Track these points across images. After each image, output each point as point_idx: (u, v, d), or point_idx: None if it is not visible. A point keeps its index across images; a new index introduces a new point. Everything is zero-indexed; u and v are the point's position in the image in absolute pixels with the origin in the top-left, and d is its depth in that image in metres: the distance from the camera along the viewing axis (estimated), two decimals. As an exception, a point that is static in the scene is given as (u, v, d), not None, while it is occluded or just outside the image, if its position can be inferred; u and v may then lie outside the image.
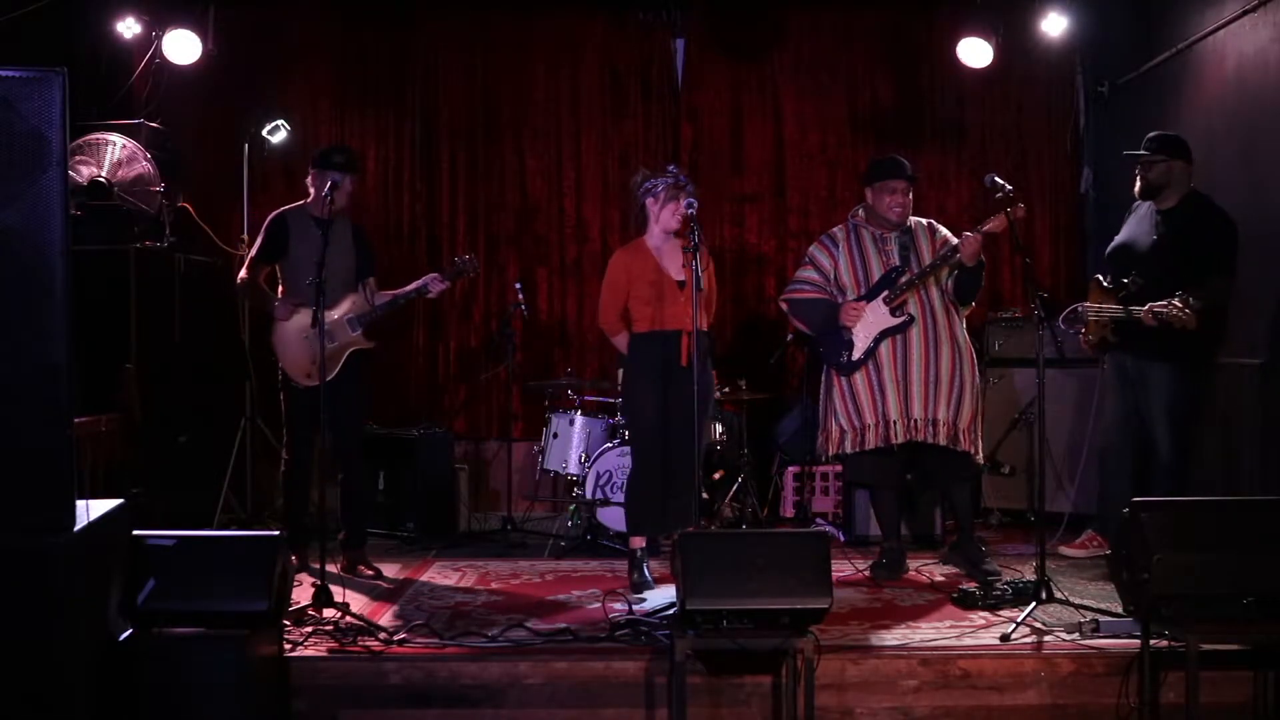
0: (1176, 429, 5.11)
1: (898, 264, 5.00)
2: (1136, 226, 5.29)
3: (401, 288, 5.35)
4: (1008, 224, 4.74)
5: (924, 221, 5.13)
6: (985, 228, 4.81)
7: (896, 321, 4.95)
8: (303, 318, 5.07)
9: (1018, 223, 4.75)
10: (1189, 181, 5.16)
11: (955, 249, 4.86)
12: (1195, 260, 4.93)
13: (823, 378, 5.19)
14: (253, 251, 5.26)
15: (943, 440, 4.91)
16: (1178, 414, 5.12)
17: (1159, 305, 4.78)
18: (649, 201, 5.02)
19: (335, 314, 5.09)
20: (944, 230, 5.11)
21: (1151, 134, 5.23)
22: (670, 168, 5.14)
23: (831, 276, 5.11)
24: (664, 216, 5.00)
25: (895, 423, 4.92)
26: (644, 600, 4.72)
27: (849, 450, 5.03)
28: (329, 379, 4.98)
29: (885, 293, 4.97)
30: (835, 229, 5.21)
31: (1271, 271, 5.16)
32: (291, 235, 5.14)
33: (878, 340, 4.96)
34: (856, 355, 4.99)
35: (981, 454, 5.07)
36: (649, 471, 5.03)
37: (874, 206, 5.06)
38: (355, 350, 5.18)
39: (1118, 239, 5.37)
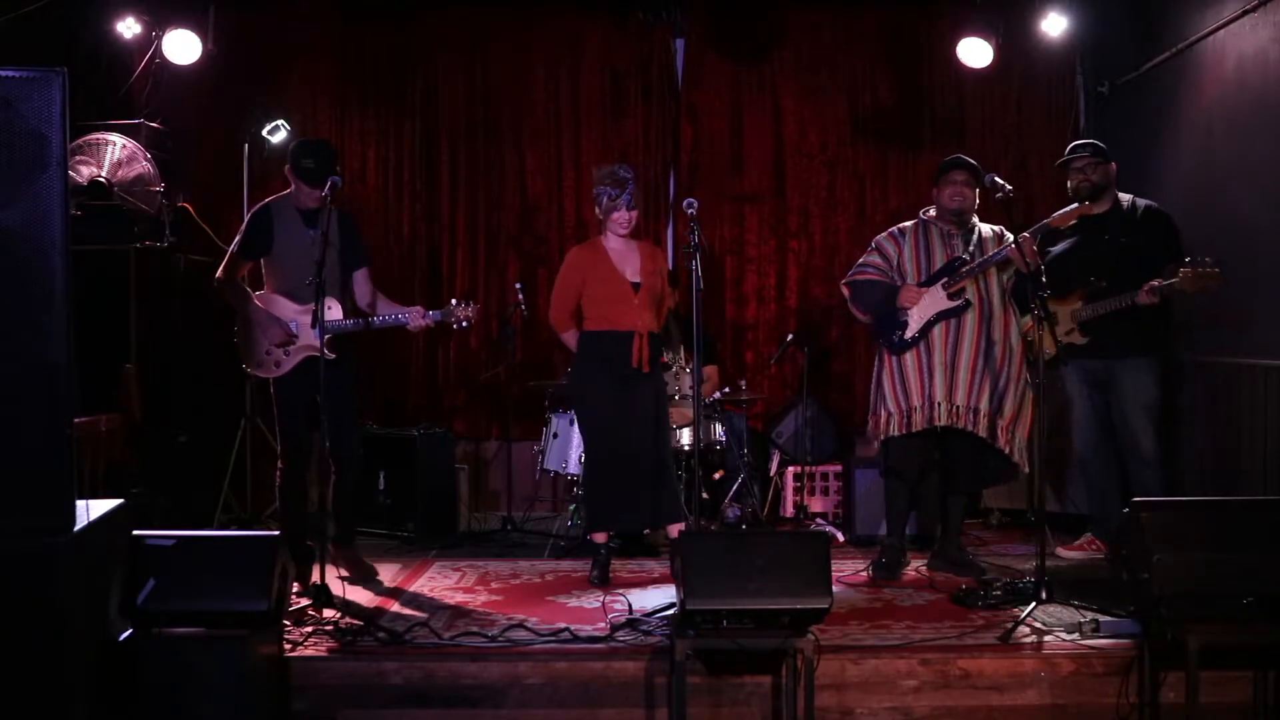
0: (1154, 423, 5.18)
1: (961, 255, 5.01)
2: (1077, 235, 5.36)
3: (392, 303, 5.12)
4: (1074, 217, 4.98)
5: (996, 228, 5.11)
6: (1032, 229, 4.88)
7: (952, 305, 4.95)
8: (280, 308, 4.91)
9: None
10: (1115, 185, 5.38)
11: (1003, 251, 4.88)
12: (1153, 253, 5.07)
13: (875, 362, 5.19)
14: (233, 247, 4.99)
15: (982, 431, 4.90)
16: (1155, 410, 5.21)
17: (1156, 282, 4.95)
18: (597, 210, 5.15)
19: (308, 314, 4.81)
20: (1011, 237, 5.08)
21: (1076, 142, 5.45)
22: (620, 172, 5.10)
23: (894, 263, 5.11)
24: (611, 225, 5.11)
25: (940, 405, 4.92)
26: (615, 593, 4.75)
27: (895, 433, 5.02)
28: (281, 374, 4.92)
29: (945, 279, 4.99)
30: (905, 223, 5.22)
31: (1272, 271, 5.16)
32: (276, 229, 4.92)
33: (932, 322, 4.97)
34: (909, 334, 4.99)
35: (1025, 461, 4.99)
36: (601, 468, 5.12)
37: (938, 199, 5.08)
38: (311, 357, 4.78)
39: (1056, 249, 5.39)
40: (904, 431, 5.00)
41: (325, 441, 4.93)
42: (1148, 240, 5.21)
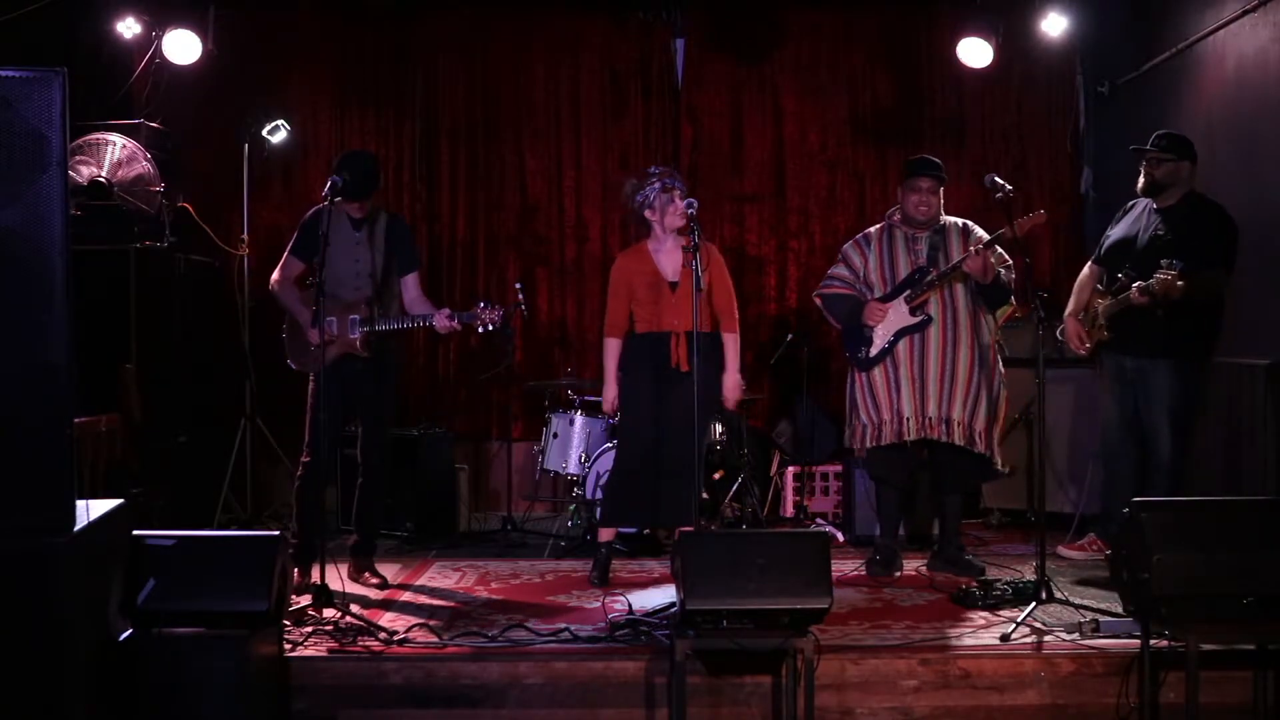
0: (1177, 429, 5.11)
1: (924, 264, 5.02)
2: (1134, 224, 5.28)
3: (429, 306, 5.15)
4: (1030, 228, 4.81)
5: (960, 222, 5.11)
6: (990, 238, 4.85)
7: (914, 321, 4.98)
8: (326, 307, 4.90)
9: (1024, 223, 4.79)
10: (1191, 182, 5.17)
11: (959, 264, 4.88)
12: (1193, 254, 4.89)
13: (848, 375, 5.23)
14: (287, 250, 5.09)
15: (958, 440, 4.93)
16: (1178, 414, 5.11)
17: (1142, 283, 4.85)
18: (648, 213, 5.09)
19: (351, 313, 4.96)
20: (979, 231, 5.07)
21: (1160, 132, 5.23)
22: (652, 170, 5.16)
23: (861, 274, 5.15)
24: (667, 221, 5.08)
25: (909, 419, 4.95)
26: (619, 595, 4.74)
27: (869, 445, 5.07)
28: (320, 368, 4.91)
29: (908, 292, 5.01)
30: (871, 228, 5.24)
31: (1273, 271, 5.16)
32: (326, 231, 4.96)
33: (895, 338, 5.00)
34: (873, 352, 5.04)
35: (1001, 460, 5.04)
36: (627, 467, 5.11)
37: (903, 205, 5.09)
38: (350, 355, 4.94)
39: (1114, 235, 5.36)
40: (877, 444, 5.04)
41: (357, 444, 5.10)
42: (1188, 240, 5.01)
